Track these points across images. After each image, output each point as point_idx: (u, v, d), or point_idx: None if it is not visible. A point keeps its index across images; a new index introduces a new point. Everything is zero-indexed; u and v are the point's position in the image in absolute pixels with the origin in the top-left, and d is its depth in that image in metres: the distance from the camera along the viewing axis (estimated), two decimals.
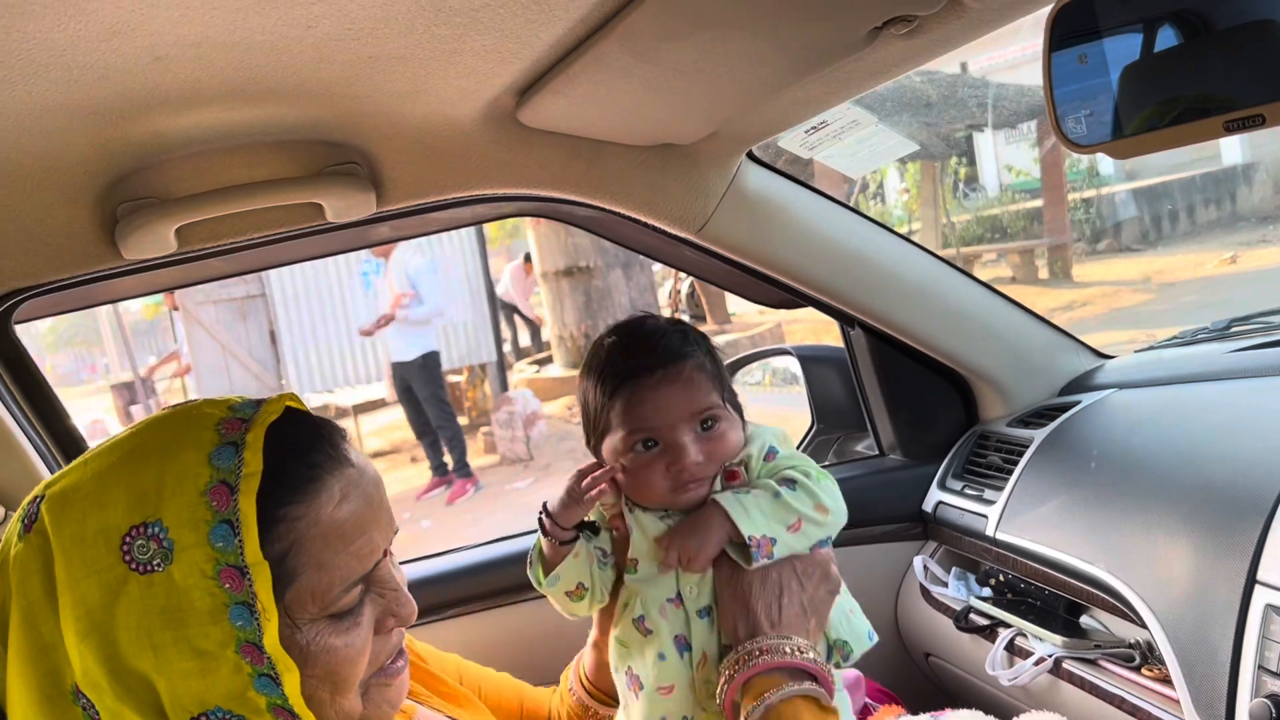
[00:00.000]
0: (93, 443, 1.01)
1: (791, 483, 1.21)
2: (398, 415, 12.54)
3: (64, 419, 1.64)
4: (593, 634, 1.40)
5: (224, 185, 1.35)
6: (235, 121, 1.28)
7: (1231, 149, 14.65)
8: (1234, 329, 1.84)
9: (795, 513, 1.19)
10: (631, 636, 1.24)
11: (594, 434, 1.27)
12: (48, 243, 1.38)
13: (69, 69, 1.00)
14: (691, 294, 15.14)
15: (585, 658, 1.43)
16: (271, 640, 0.83)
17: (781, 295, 1.90)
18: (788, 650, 1.11)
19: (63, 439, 1.64)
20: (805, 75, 1.27)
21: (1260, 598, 1.16)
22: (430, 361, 8.38)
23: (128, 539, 0.83)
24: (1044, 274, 13.02)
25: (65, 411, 1.64)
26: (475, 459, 10.15)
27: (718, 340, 12.48)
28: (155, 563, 0.82)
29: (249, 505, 0.84)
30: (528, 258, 14.15)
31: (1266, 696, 1.09)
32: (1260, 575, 1.18)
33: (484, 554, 1.92)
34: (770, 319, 13.26)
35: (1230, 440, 1.44)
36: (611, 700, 1.37)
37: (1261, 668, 1.12)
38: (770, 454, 1.26)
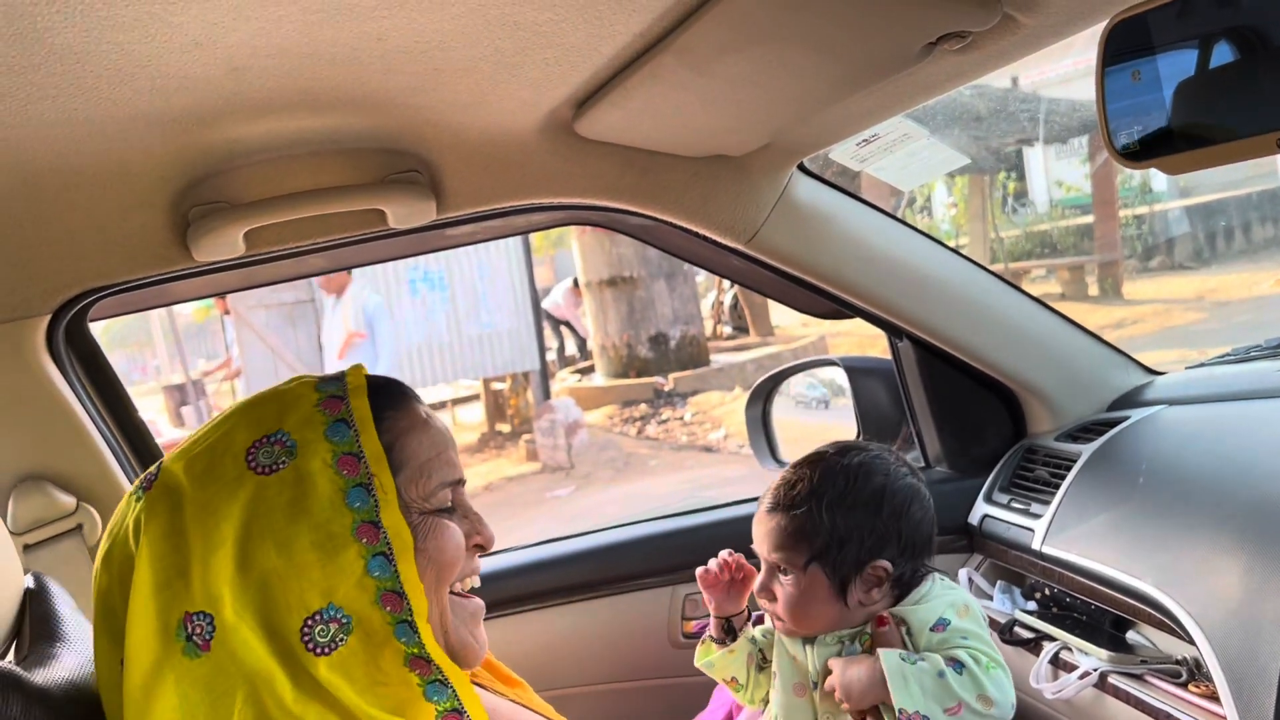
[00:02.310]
0: None
1: (960, 664, 1.23)
2: (446, 420, 12.68)
3: (133, 414, 1.70)
4: None
5: (291, 191, 1.40)
6: (304, 129, 1.32)
7: None
8: None
9: (956, 697, 1.21)
10: None
11: None
12: (122, 244, 1.44)
13: (152, 78, 1.05)
14: (735, 305, 15.12)
15: None
16: (390, 512, 0.92)
17: (829, 306, 1.92)
18: None
19: (132, 434, 1.70)
20: (858, 89, 1.29)
21: None
22: None
23: (251, 450, 0.92)
24: (1094, 291, 12.85)
25: (135, 407, 1.70)
26: (517, 466, 10.23)
27: (760, 352, 12.43)
28: (281, 461, 0.92)
29: (360, 403, 0.95)
30: (575, 283, 14.27)
31: None
32: None
33: (528, 556, 1.96)
34: (814, 331, 13.20)
35: None
36: None
37: None
38: (940, 625, 1.29)
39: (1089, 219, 14.03)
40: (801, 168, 1.67)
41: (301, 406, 0.95)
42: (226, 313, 11.45)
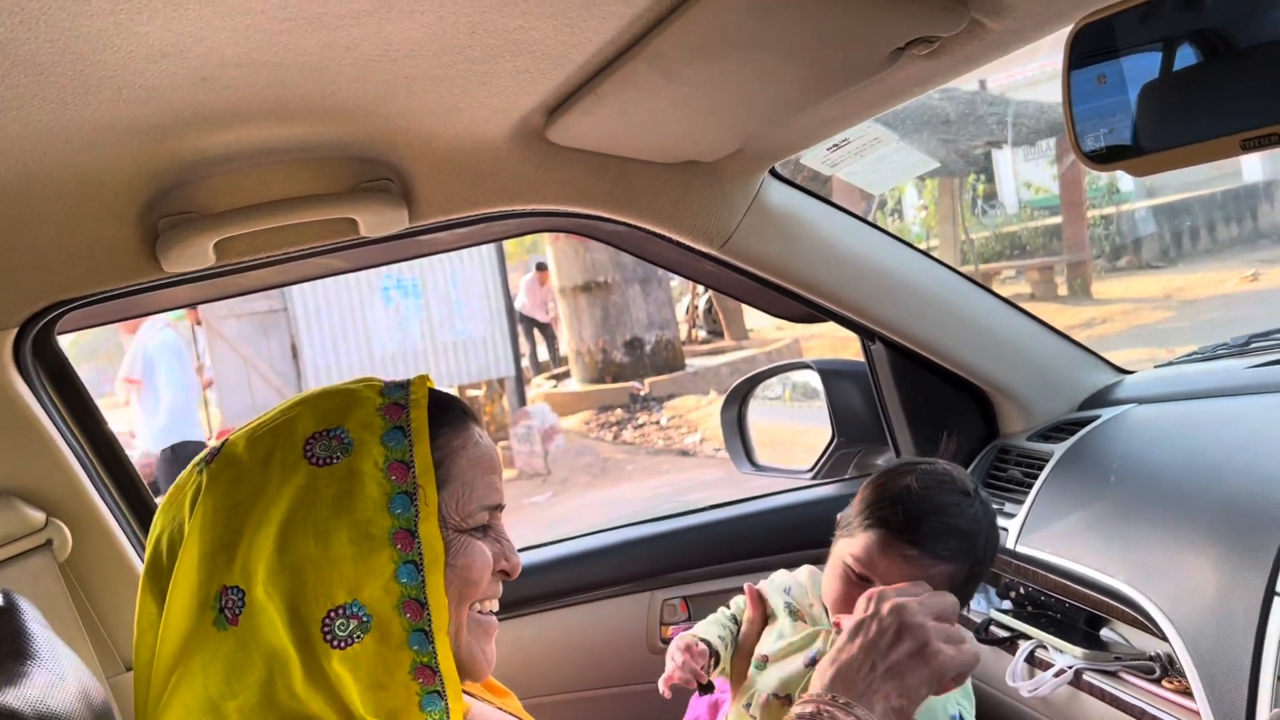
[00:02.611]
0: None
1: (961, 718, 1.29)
2: None
3: (103, 428, 1.68)
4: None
5: (262, 201, 1.39)
6: (274, 139, 1.32)
7: (1253, 166, 14.60)
8: (1254, 345, 1.84)
9: None
10: None
11: (844, 521, 1.35)
12: (91, 256, 1.42)
13: (119, 89, 1.04)
14: (709, 310, 15.17)
15: None
16: (428, 524, 0.94)
17: (803, 309, 1.93)
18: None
19: (102, 448, 1.68)
20: (828, 95, 1.30)
21: None
22: (182, 454, 6.15)
23: (310, 441, 0.96)
24: (1063, 291, 12.99)
25: (105, 421, 1.69)
26: None
27: (734, 356, 12.47)
28: (336, 456, 0.95)
29: (420, 415, 0.99)
30: (540, 266, 14.23)
31: None
32: (1279, 587, 1.19)
33: (543, 555, 1.97)
34: (787, 335, 13.27)
35: (1250, 454, 1.46)
36: None
37: None
38: None
39: (1057, 220, 14.20)
40: (773, 173, 1.68)
41: (365, 407, 0.99)
42: (198, 323, 11.34)
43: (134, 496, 1.70)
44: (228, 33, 0.96)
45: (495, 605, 1.07)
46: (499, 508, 1.05)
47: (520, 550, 1.98)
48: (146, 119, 1.15)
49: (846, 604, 1.27)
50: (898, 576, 1.25)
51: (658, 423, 11.07)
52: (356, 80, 1.15)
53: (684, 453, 9.90)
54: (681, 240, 1.69)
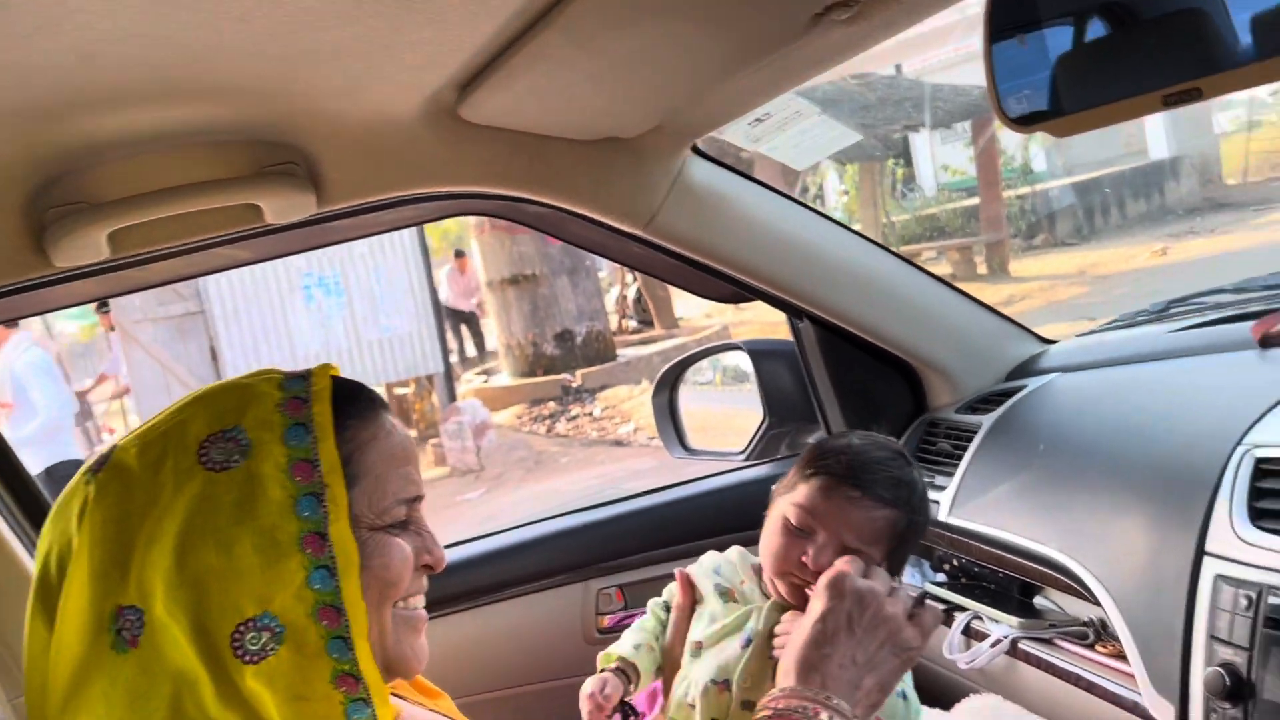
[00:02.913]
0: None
1: (904, 695, 1.27)
2: None
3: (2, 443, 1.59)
4: None
5: (158, 188, 1.31)
6: (168, 121, 1.24)
7: (1158, 143, 15.05)
8: (1172, 310, 1.87)
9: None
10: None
11: (783, 486, 1.34)
12: None
13: None
14: (639, 299, 15.16)
15: None
16: (339, 526, 0.89)
17: (731, 290, 1.90)
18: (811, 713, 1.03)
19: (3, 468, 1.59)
20: (747, 64, 1.27)
21: (1209, 568, 1.18)
22: (60, 474, 5.73)
23: (205, 444, 0.89)
24: (982, 270, 13.25)
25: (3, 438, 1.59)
26: (425, 471, 10.03)
27: (665, 344, 12.47)
28: (234, 459, 0.88)
29: (323, 409, 0.93)
30: (459, 254, 14.05)
31: (1220, 665, 1.11)
32: (1208, 547, 1.19)
33: (472, 549, 1.91)
34: (717, 321, 13.32)
35: (1173, 417, 1.47)
36: None
37: (1213, 637, 1.14)
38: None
39: (975, 201, 14.47)
40: (695, 150, 1.65)
41: (263, 404, 0.92)
42: (111, 329, 10.98)
43: (27, 500, 1.61)
44: (106, 3, 0.89)
45: (421, 600, 1.02)
46: (417, 500, 0.99)
47: (451, 545, 1.94)
48: (24, 101, 1.07)
49: (785, 561, 1.26)
50: (839, 524, 1.24)
51: (591, 414, 11.03)
52: (252, 56, 1.09)
53: (618, 443, 9.88)
54: (605, 221, 1.66)
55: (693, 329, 13.76)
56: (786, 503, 1.29)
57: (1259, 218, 12.30)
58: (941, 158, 16.93)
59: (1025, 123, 1.06)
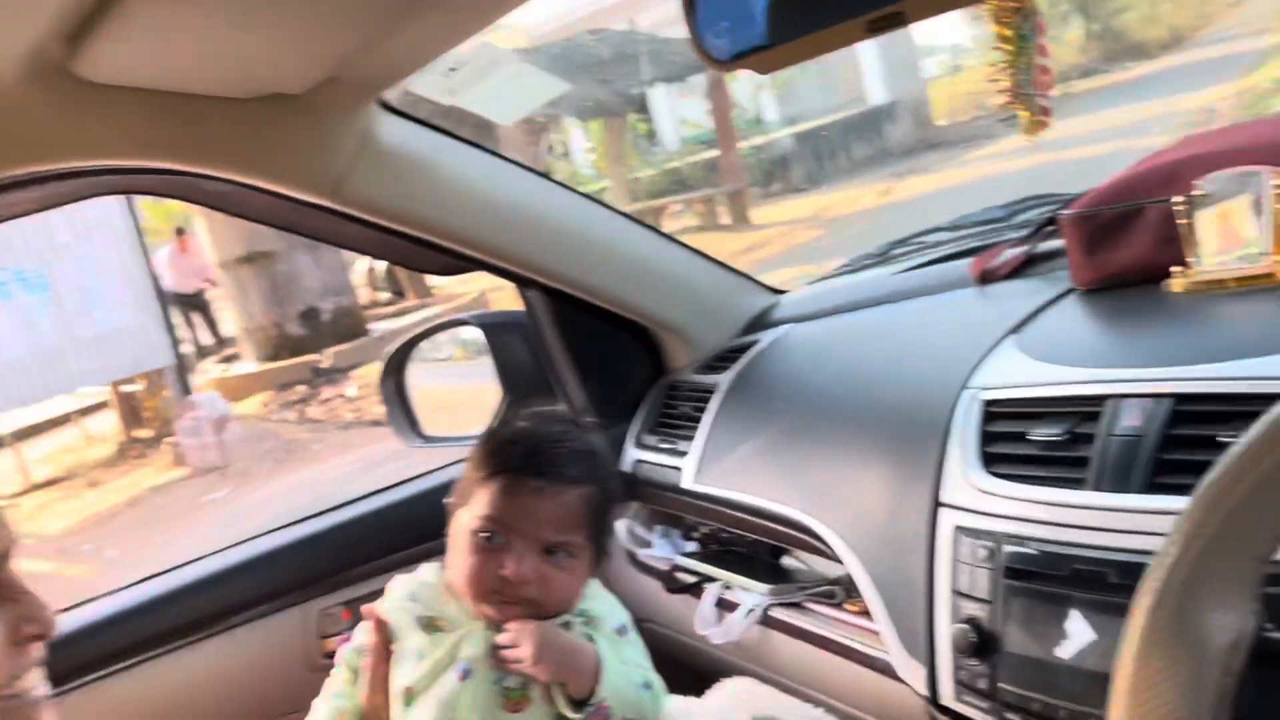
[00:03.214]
0: None
1: (649, 686, 1.17)
2: (74, 435, 11.22)
3: None
4: None
5: None
6: None
7: (876, 89, 15.99)
8: (894, 252, 1.87)
9: (643, 716, 1.14)
10: None
11: (459, 498, 1.19)
12: None
13: None
14: (388, 270, 14.58)
15: None
16: None
17: (447, 261, 1.73)
18: None
19: None
20: (425, 3, 1.10)
21: (946, 520, 1.14)
22: None
23: None
24: (726, 219, 13.65)
25: None
26: (164, 474, 9.28)
27: (420, 315, 12.10)
28: None
29: None
30: (179, 231, 13.00)
31: (964, 621, 1.07)
32: (943, 497, 1.15)
33: (117, 604, 1.63)
34: (474, 288, 13.01)
35: (902, 363, 1.44)
36: None
37: (956, 592, 1.10)
38: (623, 630, 1.21)
39: (714, 153, 14.86)
40: (384, 105, 1.45)
41: None
42: None
43: None
44: None
45: (35, 678, 0.82)
46: (3, 559, 0.78)
47: (134, 584, 1.68)
48: None
49: (484, 580, 1.12)
50: (533, 523, 1.13)
51: (345, 395, 10.52)
52: None
53: (376, 423, 9.44)
54: (285, 192, 1.44)
55: (449, 297, 13.40)
56: (469, 515, 1.15)
57: (968, 154, 13.31)
58: (680, 112, 17.27)
59: (727, 61, 0.96)
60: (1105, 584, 0.95)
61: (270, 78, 1.26)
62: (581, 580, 1.18)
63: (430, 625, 1.14)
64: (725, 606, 1.55)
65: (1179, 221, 1.15)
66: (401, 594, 1.19)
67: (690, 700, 1.29)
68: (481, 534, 1.12)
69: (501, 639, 1.09)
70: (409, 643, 1.13)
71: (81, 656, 1.53)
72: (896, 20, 0.82)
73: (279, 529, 1.73)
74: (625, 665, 1.16)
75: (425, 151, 1.52)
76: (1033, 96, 1.01)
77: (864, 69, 15.99)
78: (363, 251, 1.83)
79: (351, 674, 1.18)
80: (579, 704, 1.10)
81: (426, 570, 1.23)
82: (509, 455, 1.15)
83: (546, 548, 1.13)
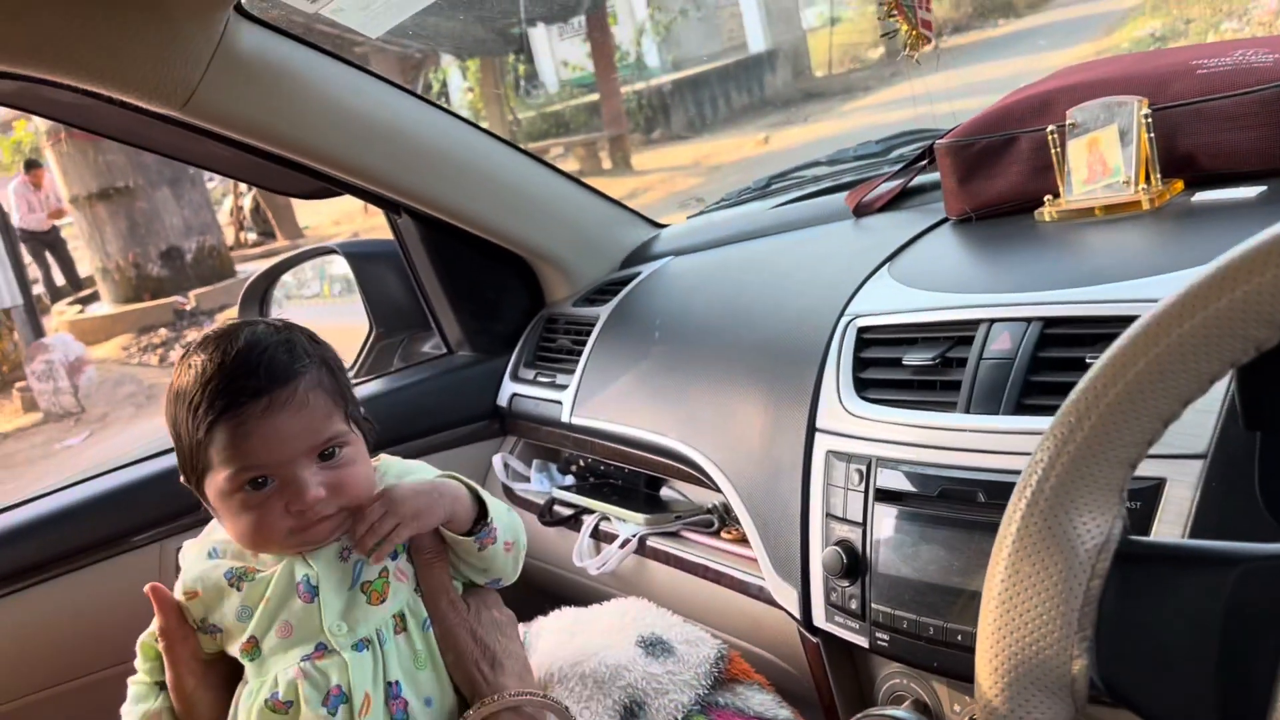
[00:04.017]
0: None
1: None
2: None
3: None
4: None
5: None
6: None
7: (756, 37, 16.02)
8: (773, 186, 1.87)
9: (514, 533, 1.07)
10: None
11: (192, 472, 1.01)
12: None
13: None
14: (256, 209, 13.99)
15: None
16: None
17: (312, 183, 1.64)
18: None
19: None
20: None
21: (821, 445, 1.15)
22: None
23: None
24: (607, 164, 13.54)
25: None
26: (14, 420, 8.78)
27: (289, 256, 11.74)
28: None
29: None
30: (29, 165, 12.18)
31: (837, 544, 1.08)
32: (819, 423, 1.16)
33: (15, 518, 1.53)
34: (346, 229, 12.61)
35: (781, 293, 1.44)
36: None
37: (829, 515, 1.11)
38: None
39: (595, 97, 14.68)
40: (240, 10, 1.35)
41: None
42: None
43: None
44: None
45: None
46: None
47: (37, 498, 1.56)
48: None
49: (273, 530, 0.98)
50: (283, 445, 0.97)
51: None
52: None
53: None
54: (135, 101, 1.33)
55: (320, 237, 12.96)
56: (218, 478, 0.99)
57: (844, 105, 13.49)
58: (561, 53, 16.95)
59: None
60: (974, 503, 0.97)
61: None
62: (366, 459, 1.04)
63: (244, 575, 1.04)
64: (603, 538, 1.54)
65: (1051, 151, 1.17)
66: (196, 557, 1.05)
67: (579, 611, 1.27)
68: (241, 489, 0.98)
69: (358, 529, 0.99)
70: (227, 604, 1.00)
71: None
72: None
73: (131, 464, 1.64)
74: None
75: (286, 62, 1.43)
76: (914, 9, 1.00)
77: (745, 15, 16.01)
78: (221, 171, 1.72)
79: (155, 664, 1.05)
80: (470, 533, 1.03)
81: (216, 526, 1.07)
82: (212, 392, 0.98)
83: (321, 454, 1.00)
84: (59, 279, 13.29)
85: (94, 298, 12.02)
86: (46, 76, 1.25)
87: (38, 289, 12.08)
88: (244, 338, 1.01)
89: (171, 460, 1.61)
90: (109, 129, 1.54)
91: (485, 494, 1.06)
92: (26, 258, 11.59)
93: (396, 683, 0.99)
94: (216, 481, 0.99)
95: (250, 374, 0.98)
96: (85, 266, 12.47)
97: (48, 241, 12.81)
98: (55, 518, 1.55)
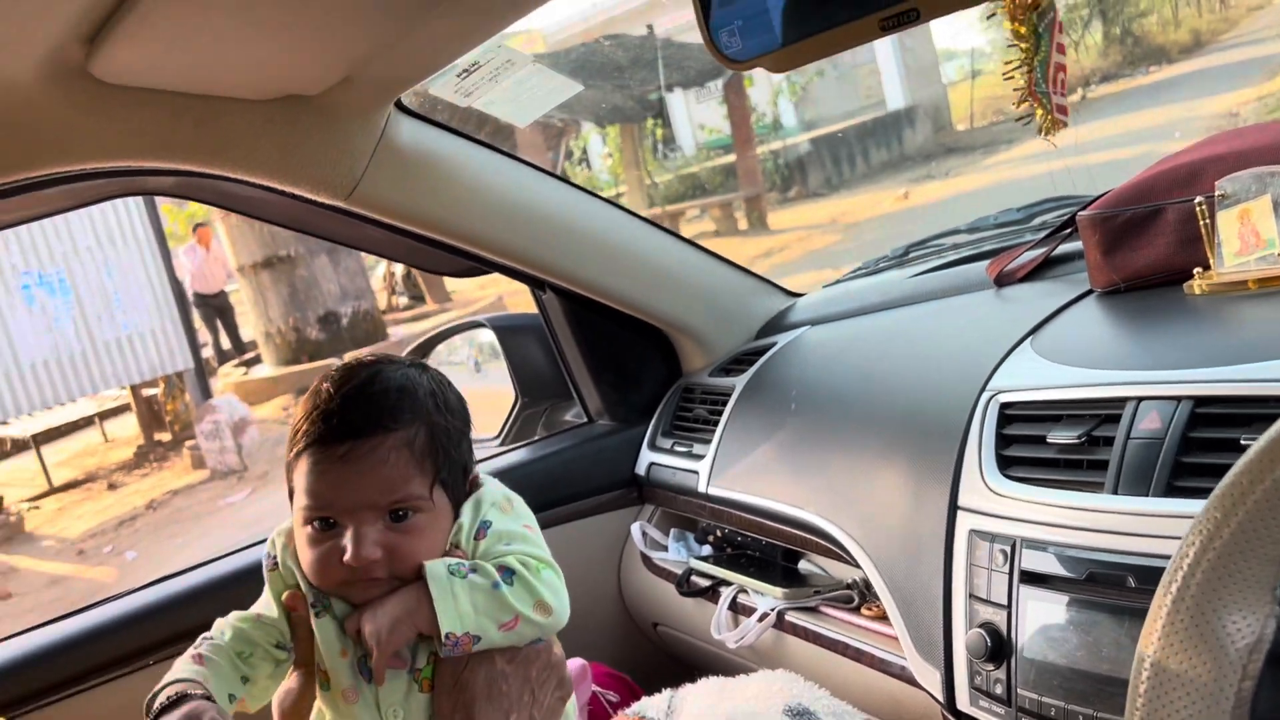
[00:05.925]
0: None
1: (511, 573, 1.03)
2: (94, 438, 11.30)
3: None
4: None
5: None
6: None
7: (894, 94, 15.92)
8: (911, 254, 1.86)
9: (512, 610, 1.02)
10: None
11: (290, 485, 1.05)
12: None
13: None
14: (408, 274, 14.63)
15: None
16: None
17: (463, 263, 1.73)
18: None
19: None
20: (435, 5, 1.10)
21: (963, 524, 1.13)
22: None
23: None
24: (743, 225, 13.62)
25: None
26: (183, 477, 9.32)
27: (438, 320, 12.10)
28: None
29: None
30: (197, 226, 12.99)
31: (980, 626, 1.05)
32: (961, 500, 1.14)
33: (137, 601, 1.61)
34: (491, 293, 13.03)
35: (920, 365, 1.43)
36: None
37: (972, 596, 1.09)
38: (482, 530, 1.06)
39: (732, 158, 14.83)
40: (400, 107, 1.46)
41: None
42: None
43: None
44: None
45: None
46: None
47: (59, 619, 1.61)
48: None
49: (328, 573, 1.00)
50: (354, 497, 0.98)
51: None
52: None
53: None
54: (301, 193, 1.44)
55: (467, 301, 13.43)
56: (298, 503, 1.01)
57: (987, 159, 13.23)
58: (698, 117, 17.24)
59: (741, 60, 0.96)
60: (1123, 588, 0.94)
61: (286, 79, 1.27)
62: (440, 531, 1.04)
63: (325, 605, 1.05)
64: (740, 610, 1.54)
65: (1199, 222, 1.14)
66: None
67: (726, 680, 1.27)
68: (311, 523, 1.00)
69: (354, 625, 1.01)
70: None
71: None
72: (909, 18, 0.82)
73: (192, 568, 1.68)
74: (468, 578, 1.01)
75: (441, 153, 1.53)
76: (1049, 95, 1.00)
77: (883, 73, 15.95)
78: (378, 253, 1.83)
79: (234, 637, 1.08)
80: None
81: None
82: (310, 427, 1.00)
83: (387, 514, 0.99)
84: (225, 343, 14.14)
85: (256, 360, 12.71)
86: (227, 174, 1.37)
87: (206, 352, 12.87)
88: (363, 376, 1.03)
89: (225, 566, 1.65)
90: (274, 216, 1.66)
91: (443, 606, 1.00)
92: (197, 322, 12.36)
93: None
94: (297, 506, 1.02)
95: (344, 416, 0.99)
96: (249, 331, 13.22)
97: (218, 306, 13.66)
98: (135, 616, 1.56)
